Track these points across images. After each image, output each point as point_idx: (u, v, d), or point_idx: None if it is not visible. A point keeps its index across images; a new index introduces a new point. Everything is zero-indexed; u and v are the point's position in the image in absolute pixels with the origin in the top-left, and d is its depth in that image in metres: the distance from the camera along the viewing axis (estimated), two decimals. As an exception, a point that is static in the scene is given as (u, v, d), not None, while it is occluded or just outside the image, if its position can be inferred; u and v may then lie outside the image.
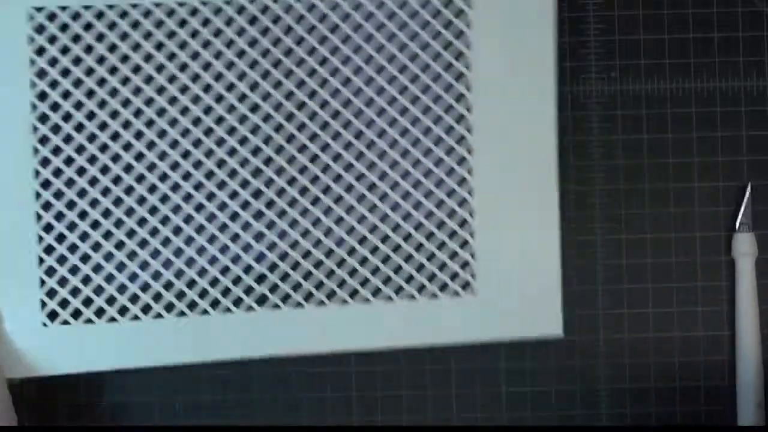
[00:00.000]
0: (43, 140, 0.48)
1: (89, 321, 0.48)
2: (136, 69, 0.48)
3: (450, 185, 0.48)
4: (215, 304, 0.48)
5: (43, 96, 0.48)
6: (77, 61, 0.48)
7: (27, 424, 0.50)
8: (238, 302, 0.48)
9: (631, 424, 0.50)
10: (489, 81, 0.48)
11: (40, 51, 0.48)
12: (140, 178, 0.48)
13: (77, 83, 0.48)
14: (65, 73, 0.48)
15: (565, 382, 0.50)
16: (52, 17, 0.48)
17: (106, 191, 0.48)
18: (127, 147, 0.48)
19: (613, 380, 0.50)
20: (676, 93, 0.51)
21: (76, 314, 0.48)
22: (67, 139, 0.48)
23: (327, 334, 0.48)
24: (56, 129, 0.48)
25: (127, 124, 0.48)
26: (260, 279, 0.48)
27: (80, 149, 0.48)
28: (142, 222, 0.48)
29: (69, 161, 0.48)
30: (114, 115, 0.48)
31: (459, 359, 0.50)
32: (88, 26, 0.48)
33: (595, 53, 0.51)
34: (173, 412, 0.50)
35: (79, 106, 0.48)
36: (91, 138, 0.48)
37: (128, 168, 0.48)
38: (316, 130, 0.48)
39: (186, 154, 0.48)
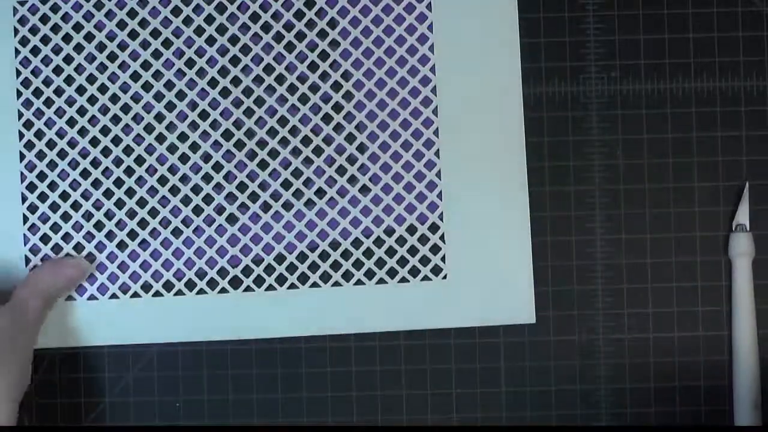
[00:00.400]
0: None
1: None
2: (113, 56, 0.50)
3: (418, 170, 0.49)
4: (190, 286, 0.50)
5: (25, 80, 0.50)
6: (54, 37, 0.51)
7: (27, 424, 0.50)
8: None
9: (631, 424, 0.50)
10: (452, 60, 0.49)
11: (24, 41, 0.50)
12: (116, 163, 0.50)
13: (57, 50, 0.50)
14: (45, 40, 0.50)
15: (564, 381, 0.50)
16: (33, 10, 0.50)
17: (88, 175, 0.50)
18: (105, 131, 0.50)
19: (613, 380, 0.50)
20: (676, 93, 0.51)
21: None
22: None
23: (297, 319, 0.49)
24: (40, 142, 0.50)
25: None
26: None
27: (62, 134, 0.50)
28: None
29: (51, 144, 0.50)
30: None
31: (459, 359, 0.50)
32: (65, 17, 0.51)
33: (595, 53, 0.51)
34: (173, 412, 0.50)
35: (60, 92, 0.50)
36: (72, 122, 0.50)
37: (105, 151, 0.50)
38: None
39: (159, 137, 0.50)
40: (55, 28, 0.50)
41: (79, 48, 0.50)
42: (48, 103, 0.50)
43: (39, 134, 0.50)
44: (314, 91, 0.49)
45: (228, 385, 0.50)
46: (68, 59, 0.50)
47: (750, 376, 0.49)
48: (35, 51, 0.50)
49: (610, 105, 0.51)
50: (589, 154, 0.51)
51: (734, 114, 0.50)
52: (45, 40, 0.50)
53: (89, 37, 0.50)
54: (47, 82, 0.50)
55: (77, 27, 0.50)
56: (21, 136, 0.50)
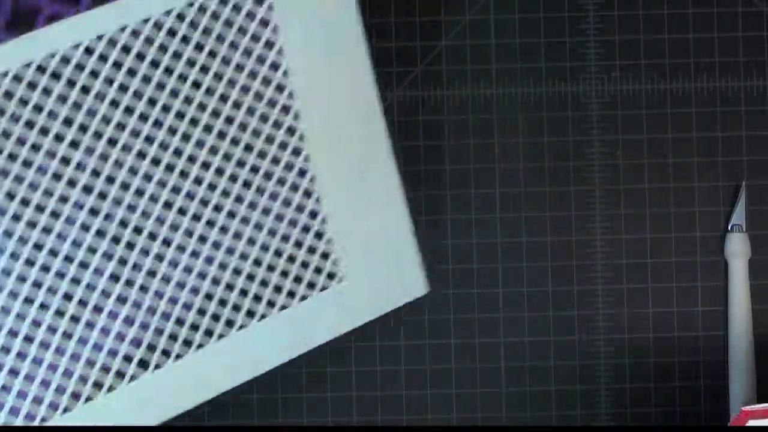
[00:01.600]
0: None
1: None
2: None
3: (291, 182, 0.45)
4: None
5: None
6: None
7: (27, 424, 0.50)
8: None
9: (631, 424, 0.50)
10: (307, 74, 0.44)
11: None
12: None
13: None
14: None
15: (565, 382, 0.50)
16: None
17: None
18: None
19: (613, 380, 0.50)
20: (676, 93, 0.51)
21: None
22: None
23: (216, 373, 0.44)
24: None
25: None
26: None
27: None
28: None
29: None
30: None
31: (459, 359, 0.50)
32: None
33: (595, 53, 0.51)
34: (173, 412, 0.50)
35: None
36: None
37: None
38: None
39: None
40: None
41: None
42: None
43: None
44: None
45: (228, 385, 0.50)
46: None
47: (745, 376, 0.49)
48: None
49: (610, 105, 0.51)
50: (589, 154, 0.51)
51: (734, 114, 0.51)
52: None
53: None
54: None
55: None
56: None
